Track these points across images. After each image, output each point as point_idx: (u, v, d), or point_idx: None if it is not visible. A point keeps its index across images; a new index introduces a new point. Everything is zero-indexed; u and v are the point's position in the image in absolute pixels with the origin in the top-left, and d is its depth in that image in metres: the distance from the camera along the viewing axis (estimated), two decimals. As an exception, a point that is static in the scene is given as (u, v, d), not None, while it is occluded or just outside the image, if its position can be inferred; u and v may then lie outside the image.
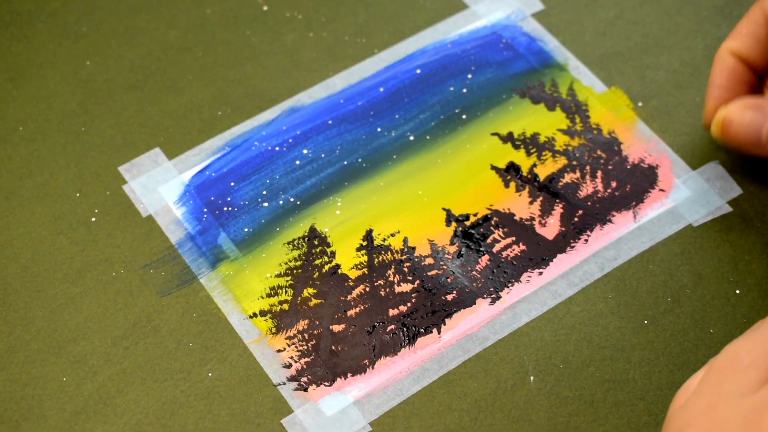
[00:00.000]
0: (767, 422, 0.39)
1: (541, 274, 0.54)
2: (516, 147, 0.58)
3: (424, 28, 0.62)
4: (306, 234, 0.55)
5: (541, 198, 0.56)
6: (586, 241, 0.55)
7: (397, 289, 0.53)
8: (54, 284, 0.53)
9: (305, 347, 0.51)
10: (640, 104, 0.59)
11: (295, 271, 0.54)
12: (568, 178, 0.57)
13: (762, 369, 0.41)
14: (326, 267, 0.54)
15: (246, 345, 0.52)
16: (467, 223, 0.55)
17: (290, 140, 0.58)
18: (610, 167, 0.57)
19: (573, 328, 0.52)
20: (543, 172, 0.57)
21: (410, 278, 0.53)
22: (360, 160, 0.57)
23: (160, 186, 0.56)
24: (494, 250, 0.54)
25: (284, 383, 0.51)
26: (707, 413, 0.41)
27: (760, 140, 0.54)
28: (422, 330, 0.52)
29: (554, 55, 0.61)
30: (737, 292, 0.53)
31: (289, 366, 0.51)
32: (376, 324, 0.52)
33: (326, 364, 0.51)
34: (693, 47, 0.61)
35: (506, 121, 0.59)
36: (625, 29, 0.62)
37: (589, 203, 0.56)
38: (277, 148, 0.58)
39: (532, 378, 0.51)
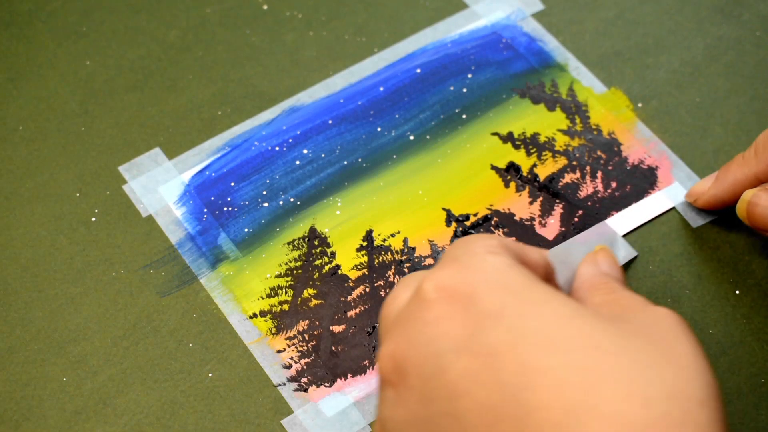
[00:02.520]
0: None
1: (541, 274, 0.54)
2: (516, 147, 0.58)
3: (424, 28, 0.62)
4: (306, 234, 0.55)
5: (541, 198, 0.56)
6: (586, 241, 0.55)
7: (397, 290, 0.53)
8: (54, 284, 0.53)
9: (305, 348, 0.51)
10: (639, 105, 0.59)
11: (295, 272, 0.54)
12: (568, 178, 0.57)
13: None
14: (326, 267, 0.54)
15: (246, 345, 0.52)
16: (467, 223, 0.55)
17: (290, 140, 0.58)
18: (610, 168, 0.57)
19: (573, 329, 0.52)
20: (543, 172, 0.57)
21: (410, 278, 0.53)
22: (360, 160, 0.57)
23: (160, 186, 0.56)
24: (494, 250, 0.54)
25: (284, 384, 0.51)
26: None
27: None
28: (422, 330, 0.52)
29: (554, 55, 0.61)
30: (737, 292, 0.53)
31: (289, 366, 0.51)
32: (377, 325, 0.52)
33: (326, 365, 0.51)
34: (693, 47, 0.61)
35: (506, 121, 0.59)
36: (625, 29, 0.62)
37: (589, 203, 0.56)
38: (277, 148, 0.58)
39: (531, 378, 0.51)
